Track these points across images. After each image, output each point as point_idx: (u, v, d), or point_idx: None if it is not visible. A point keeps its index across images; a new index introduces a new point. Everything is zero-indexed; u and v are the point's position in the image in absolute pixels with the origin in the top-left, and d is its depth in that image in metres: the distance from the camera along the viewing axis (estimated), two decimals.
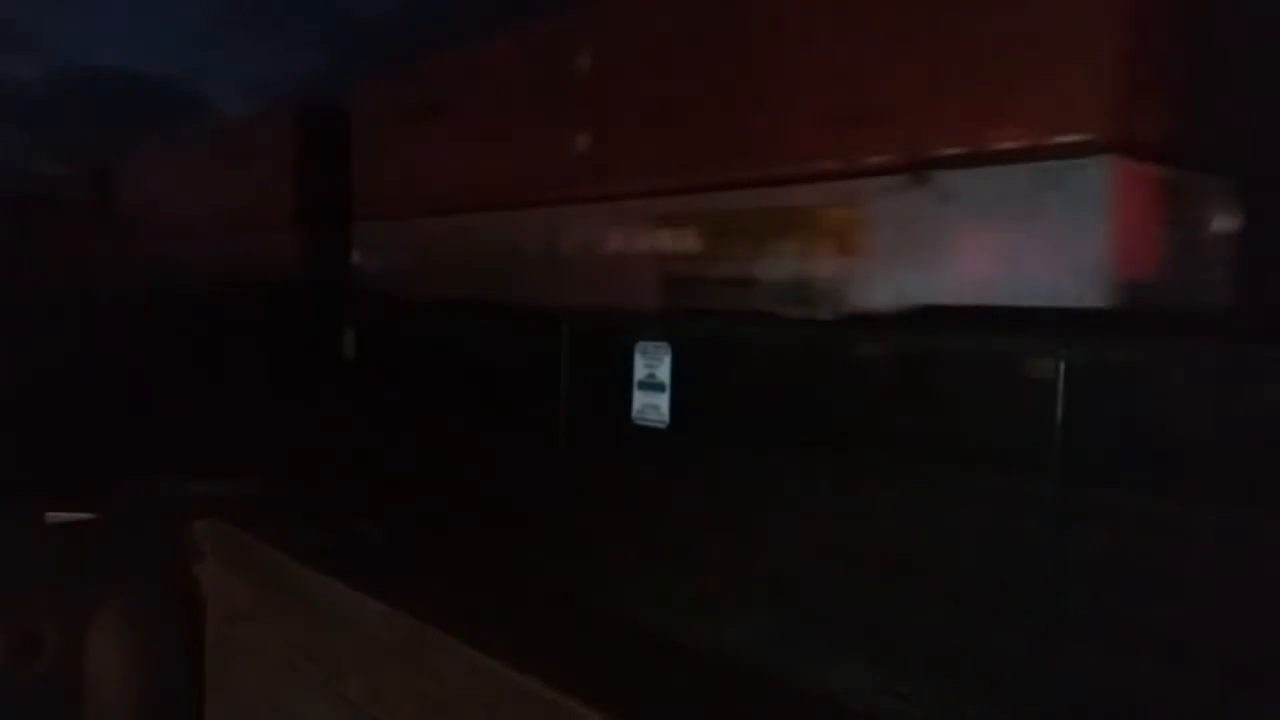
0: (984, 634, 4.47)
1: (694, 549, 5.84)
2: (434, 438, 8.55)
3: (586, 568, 5.68)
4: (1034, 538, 4.14)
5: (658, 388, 5.53)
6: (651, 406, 5.54)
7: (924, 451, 5.51)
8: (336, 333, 11.11)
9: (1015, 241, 5.67)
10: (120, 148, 21.60)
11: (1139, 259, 5.52)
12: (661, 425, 5.51)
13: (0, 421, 7.78)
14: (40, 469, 6.61)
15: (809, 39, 6.85)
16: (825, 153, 6.66)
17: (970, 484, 5.22)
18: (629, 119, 8.40)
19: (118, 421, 8.04)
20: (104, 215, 17.06)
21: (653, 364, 5.54)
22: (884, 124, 6.23)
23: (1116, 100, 5.30)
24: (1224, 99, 5.81)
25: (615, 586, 5.46)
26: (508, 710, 1.98)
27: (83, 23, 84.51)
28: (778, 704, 4.25)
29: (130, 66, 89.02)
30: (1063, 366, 3.98)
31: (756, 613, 5.11)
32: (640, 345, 5.60)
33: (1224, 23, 5.81)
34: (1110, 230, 5.33)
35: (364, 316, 11.22)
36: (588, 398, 6.25)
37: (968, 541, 4.95)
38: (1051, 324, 5.28)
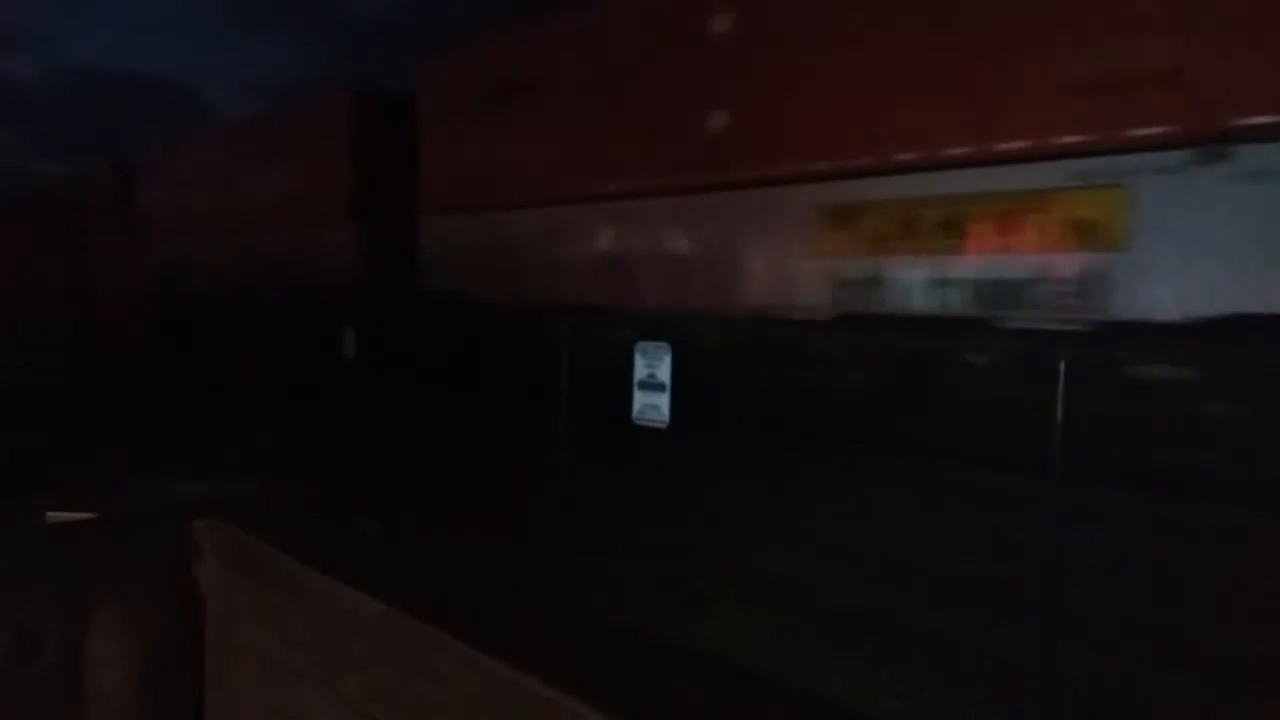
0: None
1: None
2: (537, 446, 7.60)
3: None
4: None
5: (658, 388, 5.49)
6: (651, 406, 5.50)
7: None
8: (407, 335, 10.30)
9: None
10: (120, 147, 21.45)
11: None
12: (661, 425, 5.45)
13: (0, 421, 7.78)
14: (40, 469, 6.62)
15: None
16: (1074, 124, 5.44)
17: None
18: (782, 91, 6.95)
19: (123, 422, 8.04)
20: (111, 214, 16.85)
21: (653, 364, 5.51)
22: (1163, 86, 5.08)
23: None
24: None
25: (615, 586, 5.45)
26: (508, 710, 1.98)
27: (83, 23, 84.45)
28: (776, 703, 4.24)
29: (130, 66, 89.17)
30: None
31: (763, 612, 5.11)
32: (640, 345, 5.54)
33: None
34: None
35: (442, 320, 10.16)
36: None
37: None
38: None
